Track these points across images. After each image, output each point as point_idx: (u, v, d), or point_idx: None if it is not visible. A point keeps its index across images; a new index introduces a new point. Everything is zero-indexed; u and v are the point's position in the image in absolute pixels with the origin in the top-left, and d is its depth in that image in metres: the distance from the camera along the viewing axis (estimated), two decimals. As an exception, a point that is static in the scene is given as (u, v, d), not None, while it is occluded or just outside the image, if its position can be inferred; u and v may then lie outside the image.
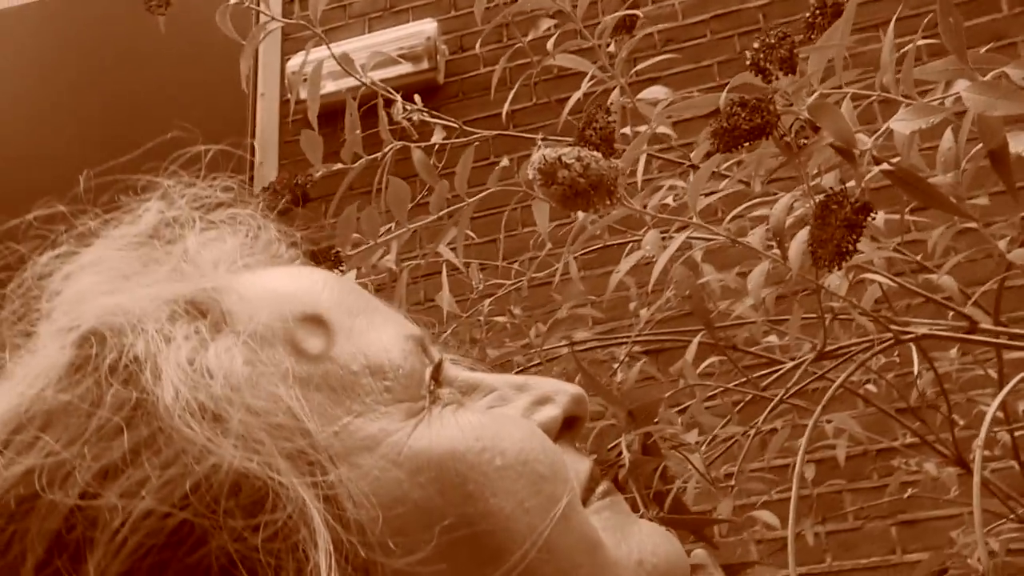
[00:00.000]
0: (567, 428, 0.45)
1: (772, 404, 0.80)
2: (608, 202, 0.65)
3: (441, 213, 0.91)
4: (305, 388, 0.40)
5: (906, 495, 1.15)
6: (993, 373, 0.96)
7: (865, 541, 2.09)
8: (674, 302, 1.01)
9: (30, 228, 0.47)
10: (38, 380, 0.40)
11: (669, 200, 0.97)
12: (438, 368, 0.44)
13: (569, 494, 0.41)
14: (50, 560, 0.35)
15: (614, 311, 1.03)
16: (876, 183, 0.66)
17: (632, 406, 0.67)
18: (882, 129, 0.59)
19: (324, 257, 0.80)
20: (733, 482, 0.81)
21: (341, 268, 0.82)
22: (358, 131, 0.77)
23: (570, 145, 0.79)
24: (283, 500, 0.36)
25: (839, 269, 0.53)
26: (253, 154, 2.79)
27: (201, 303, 0.41)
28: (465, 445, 0.40)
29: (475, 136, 0.92)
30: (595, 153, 0.65)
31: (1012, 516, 0.97)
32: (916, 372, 1.02)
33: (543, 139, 0.96)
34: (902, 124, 0.57)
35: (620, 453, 0.68)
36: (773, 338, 1.07)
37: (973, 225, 0.74)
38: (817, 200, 0.54)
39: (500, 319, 0.96)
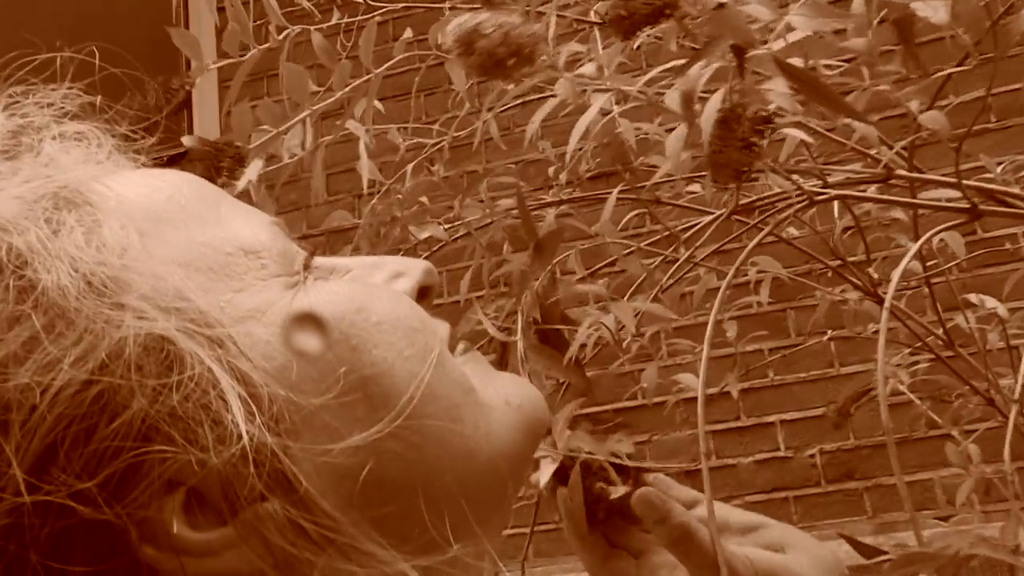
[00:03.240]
0: (421, 297, 0.49)
1: (682, 259, 0.81)
2: (529, 69, 0.64)
3: (353, 85, 0.89)
4: (186, 271, 0.42)
5: (826, 338, 1.19)
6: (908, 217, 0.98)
7: (805, 356, 2.18)
8: (593, 164, 1.00)
9: None
10: None
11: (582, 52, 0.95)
12: (311, 255, 0.47)
13: (440, 344, 0.46)
14: None
15: (535, 179, 1.03)
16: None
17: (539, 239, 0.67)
18: (778, 29, 0.57)
19: (224, 153, 0.78)
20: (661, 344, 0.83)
21: (242, 165, 0.80)
22: (245, 23, 0.74)
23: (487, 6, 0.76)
24: (191, 359, 0.38)
25: (737, 188, 0.53)
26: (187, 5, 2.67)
27: (77, 195, 0.42)
28: (343, 307, 0.44)
29: (379, 9, 0.88)
30: (514, 19, 0.63)
31: (919, 345, 1.02)
32: (836, 215, 1.04)
33: (451, 8, 0.93)
34: (801, 21, 0.55)
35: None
36: (697, 187, 1.08)
37: (886, 87, 0.74)
38: (716, 117, 0.54)
39: (422, 201, 0.96)
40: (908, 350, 1.16)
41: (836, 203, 1.12)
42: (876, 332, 1.53)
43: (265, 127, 0.78)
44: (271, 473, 0.38)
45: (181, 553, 0.38)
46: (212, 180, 0.70)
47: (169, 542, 0.38)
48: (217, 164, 0.69)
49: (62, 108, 0.49)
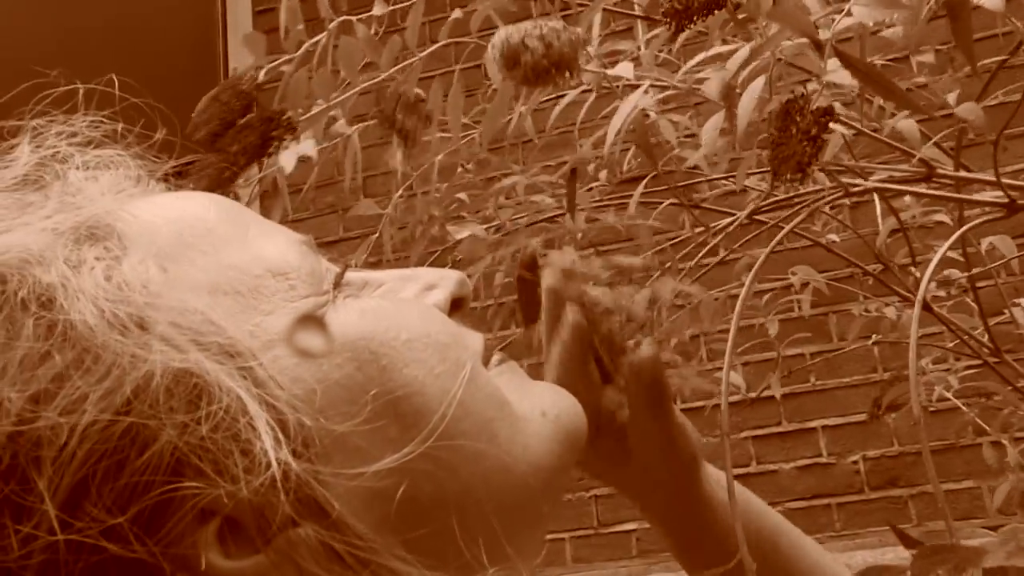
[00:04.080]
0: (454, 309, 0.49)
1: (708, 248, 0.80)
2: (570, 77, 0.64)
3: (392, 71, 0.89)
4: (214, 296, 0.42)
5: (870, 342, 1.17)
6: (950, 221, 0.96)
7: (848, 361, 2.14)
8: (634, 164, 0.99)
9: None
10: None
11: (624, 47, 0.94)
12: (342, 273, 0.47)
13: (472, 358, 0.45)
14: None
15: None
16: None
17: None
18: (842, 14, 0.56)
19: (276, 123, 0.78)
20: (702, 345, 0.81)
21: (293, 134, 0.80)
22: (300, 26, 0.75)
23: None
24: (219, 391, 0.38)
25: (800, 184, 0.52)
26: None
27: (103, 226, 0.43)
28: (372, 325, 0.43)
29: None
30: (556, 26, 0.63)
31: (956, 342, 0.99)
32: (879, 219, 1.02)
33: (497, -7, 0.92)
34: (863, 12, 0.54)
35: None
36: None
37: (922, 80, 0.72)
38: (778, 107, 0.52)
39: (460, 197, 0.95)
40: (953, 355, 1.13)
41: (880, 206, 1.10)
42: (921, 337, 1.50)
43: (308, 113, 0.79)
44: (303, 499, 0.38)
45: None
46: (264, 149, 0.71)
47: (203, 572, 0.37)
48: (269, 134, 0.70)
49: (88, 136, 0.49)
